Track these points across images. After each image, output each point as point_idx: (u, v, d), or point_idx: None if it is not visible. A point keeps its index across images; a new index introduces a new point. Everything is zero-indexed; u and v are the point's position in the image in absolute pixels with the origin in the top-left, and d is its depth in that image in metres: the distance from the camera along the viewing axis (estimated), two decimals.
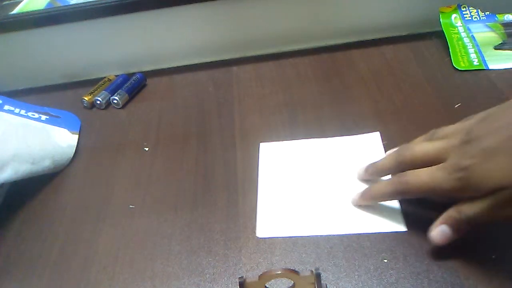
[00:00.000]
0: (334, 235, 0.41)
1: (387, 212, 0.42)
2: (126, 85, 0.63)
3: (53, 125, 0.57)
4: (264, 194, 0.46)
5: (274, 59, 0.65)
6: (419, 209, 0.42)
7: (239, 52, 0.68)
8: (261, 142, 0.52)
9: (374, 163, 0.43)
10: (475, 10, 0.63)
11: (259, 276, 0.33)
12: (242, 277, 0.33)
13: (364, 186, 0.45)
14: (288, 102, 0.57)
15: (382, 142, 0.49)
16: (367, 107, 0.54)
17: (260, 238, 0.42)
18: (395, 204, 0.42)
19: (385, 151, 0.48)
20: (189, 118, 0.58)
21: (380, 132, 0.50)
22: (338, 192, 0.45)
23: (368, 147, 0.49)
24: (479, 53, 0.59)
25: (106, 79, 0.66)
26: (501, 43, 0.60)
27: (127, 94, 0.62)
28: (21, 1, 0.66)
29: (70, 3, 0.63)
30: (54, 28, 0.63)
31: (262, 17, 0.64)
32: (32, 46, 0.65)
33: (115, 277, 0.41)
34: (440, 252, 0.38)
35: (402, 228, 0.40)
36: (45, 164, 0.51)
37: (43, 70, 0.68)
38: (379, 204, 0.43)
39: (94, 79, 0.68)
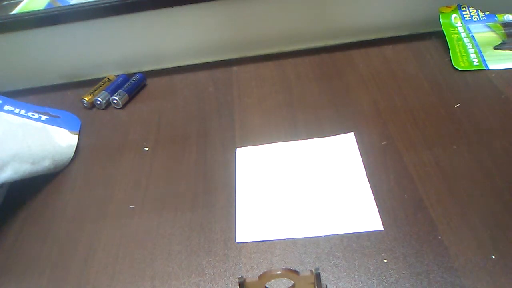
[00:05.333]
0: (321, 236, 0.41)
1: (363, 213, 0.42)
2: (126, 85, 0.63)
3: (53, 125, 0.57)
4: (242, 199, 0.46)
5: (274, 59, 0.65)
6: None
7: (239, 52, 0.68)
8: (237, 147, 0.52)
9: None
10: (475, 10, 0.63)
11: (259, 276, 0.33)
12: (242, 277, 0.33)
13: (339, 185, 0.45)
14: (288, 102, 0.57)
15: (382, 142, 0.49)
16: (367, 107, 0.54)
17: (239, 243, 0.42)
18: (371, 204, 0.43)
19: (385, 151, 0.48)
20: (189, 118, 0.58)
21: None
22: (315, 193, 0.45)
23: (343, 148, 0.49)
24: (479, 53, 0.59)
25: (106, 79, 0.66)
26: (501, 43, 0.60)
27: (127, 94, 0.62)
28: (21, 1, 0.66)
29: (70, 3, 0.63)
30: (54, 28, 0.63)
31: (262, 17, 0.64)
32: (32, 46, 0.65)
33: (115, 277, 0.41)
34: (440, 252, 0.38)
35: (379, 227, 0.41)
36: (45, 164, 0.51)
37: (43, 70, 0.68)
38: (356, 205, 0.43)
39: (94, 79, 0.68)
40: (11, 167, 0.48)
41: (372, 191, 0.44)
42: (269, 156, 0.50)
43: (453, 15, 0.63)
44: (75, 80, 0.70)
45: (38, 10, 0.62)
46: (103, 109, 0.62)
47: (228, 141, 0.53)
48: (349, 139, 0.50)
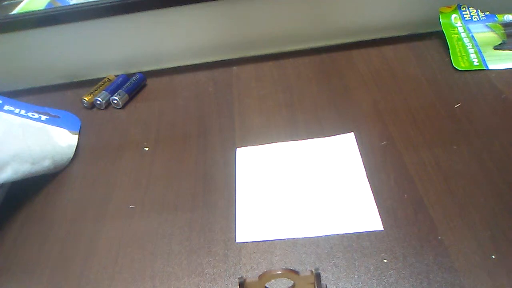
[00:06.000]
0: (321, 236, 0.41)
1: (363, 213, 0.42)
2: (126, 85, 0.63)
3: (53, 125, 0.57)
4: (242, 199, 0.46)
5: (274, 59, 0.65)
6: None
7: (239, 52, 0.68)
8: (237, 147, 0.52)
9: None
10: (475, 10, 0.63)
11: (259, 276, 0.33)
12: (242, 277, 0.33)
13: (339, 185, 0.45)
14: (288, 102, 0.57)
15: (382, 142, 0.49)
16: (367, 107, 0.54)
17: (239, 243, 0.42)
18: (371, 204, 0.43)
19: (385, 151, 0.48)
20: (189, 118, 0.58)
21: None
22: (315, 193, 0.45)
23: (343, 148, 0.49)
24: (479, 53, 0.59)
25: (106, 79, 0.66)
26: (501, 43, 0.60)
27: (127, 94, 0.62)
28: (21, 1, 0.66)
29: (70, 3, 0.63)
30: (54, 28, 0.63)
31: (262, 17, 0.64)
32: (32, 46, 0.65)
33: (115, 277, 0.41)
34: (440, 252, 0.38)
35: (379, 227, 0.41)
36: (45, 164, 0.51)
37: (43, 70, 0.68)
38: (356, 205, 0.43)
39: (94, 79, 0.68)
40: (11, 167, 0.48)
41: (372, 191, 0.44)
42: (269, 156, 0.50)
43: (453, 15, 0.63)
44: (75, 80, 0.70)
45: (38, 10, 0.62)
46: (103, 109, 0.62)
47: (228, 141, 0.53)
48: (349, 139, 0.50)
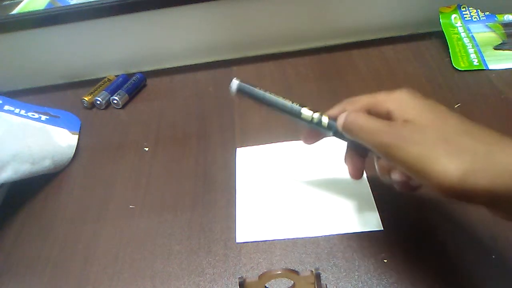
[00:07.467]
0: (321, 236, 0.41)
1: (363, 213, 0.42)
2: (126, 85, 0.63)
3: (53, 125, 0.57)
4: (242, 199, 0.46)
5: (274, 59, 0.65)
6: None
7: (239, 52, 0.68)
8: (237, 147, 0.52)
9: None
10: (475, 10, 0.63)
11: (259, 276, 0.33)
12: (242, 277, 0.33)
13: (339, 185, 0.45)
14: None
15: None
16: None
17: (239, 243, 0.42)
18: (371, 204, 0.43)
19: None
20: (189, 118, 0.58)
21: None
22: (315, 193, 0.45)
23: (343, 148, 0.49)
24: (479, 53, 0.59)
25: (106, 79, 0.66)
26: (501, 43, 0.60)
27: (127, 94, 0.62)
28: (21, 1, 0.66)
29: (70, 3, 0.63)
30: (54, 28, 0.63)
31: (262, 17, 0.64)
32: (32, 46, 0.65)
33: (115, 277, 0.41)
34: (440, 252, 0.38)
35: (378, 227, 0.41)
36: (45, 164, 0.51)
37: (43, 70, 0.68)
38: (356, 205, 0.43)
39: (94, 79, 0.68)
40: (11, 167, 0.48)
41: (372, 191, 0.44)
42: (269, 156, 0.50)
43: (453, 15, 0.63)
44: (75, 80, 0.70)
45: (38, 10, 0.62)
46: (103, 109, 0.62)
47: (228, 141, 0.53)
48: None
